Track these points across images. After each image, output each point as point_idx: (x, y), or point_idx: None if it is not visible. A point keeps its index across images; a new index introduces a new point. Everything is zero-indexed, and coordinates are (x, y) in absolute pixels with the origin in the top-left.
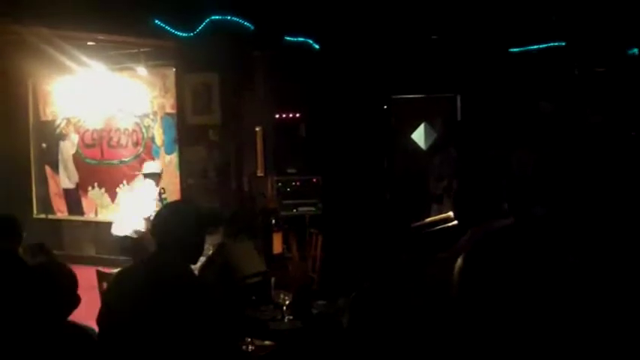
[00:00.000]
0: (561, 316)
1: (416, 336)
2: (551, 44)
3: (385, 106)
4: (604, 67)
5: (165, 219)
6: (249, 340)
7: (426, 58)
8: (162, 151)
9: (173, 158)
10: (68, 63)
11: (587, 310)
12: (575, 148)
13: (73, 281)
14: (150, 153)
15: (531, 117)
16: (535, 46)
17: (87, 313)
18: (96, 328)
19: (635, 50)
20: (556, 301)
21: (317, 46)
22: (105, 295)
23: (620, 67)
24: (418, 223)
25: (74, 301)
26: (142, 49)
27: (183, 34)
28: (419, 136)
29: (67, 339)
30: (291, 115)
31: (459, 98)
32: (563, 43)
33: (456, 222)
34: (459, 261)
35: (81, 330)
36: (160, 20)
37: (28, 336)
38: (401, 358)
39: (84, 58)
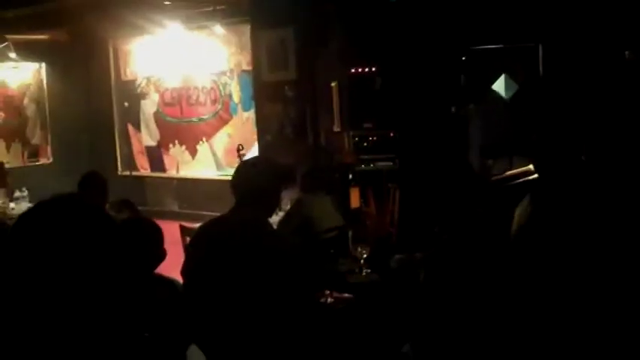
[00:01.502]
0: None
1: (486, 290)
2: None
3: (463, 58)
4: None
5: (244, 175)
6: (328, 292)
7: (505, 6)
8: (239, 108)
9: (251, 115)
10: (146, 23)
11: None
12: None
13: (159, 235)
14: (228, 110)
15: (616, 67)
16: None
17: (171, 267)
18: (180, 281)
19: None
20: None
21: None
22: (188, 248)
23: None
24: (499, 176)
25: (161, 255)
26: (217, 7)
27: None
28: (500, 87)
29: (155, 291)
30: (366, 70)
31: (540, 48)
32: None
33: (536, 175)
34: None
35: (168, 282)
36: None
37: (117, 289)
38: (473, 314)
39: (161, 18)
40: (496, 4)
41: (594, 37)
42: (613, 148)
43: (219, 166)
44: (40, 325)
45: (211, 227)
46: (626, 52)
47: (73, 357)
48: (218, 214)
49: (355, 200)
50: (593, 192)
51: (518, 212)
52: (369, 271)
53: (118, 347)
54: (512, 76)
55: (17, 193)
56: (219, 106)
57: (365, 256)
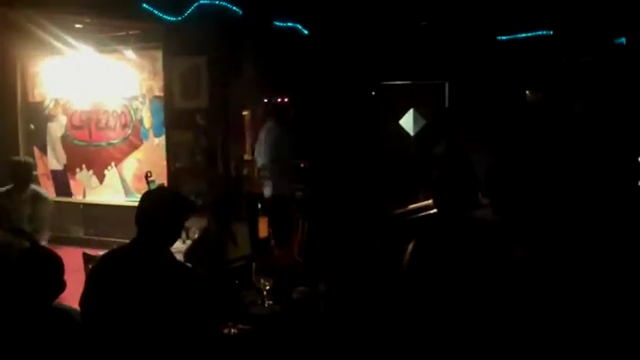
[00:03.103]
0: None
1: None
2: (539, 33)
3: (374, 92)
4: (591, 56)
5: (146, 205)
6: (231, 323)
7: (415, 44)
8: (150, 133)
9: (161, 141)
10: (56, 45)
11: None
12: (559, 138)
13: (59, 266)
14: (138, 135)
15: (518, 105)
16: (523, 34)
17: (73, 295)
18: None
19: (623, 39)
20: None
21: (306, 32)
22: (88, 278)
23: (607, 57)
24: (400, 210)
25: (60, 286)
26: (130, 32)
27: (171, 18)
28: (407, 122)
29: (52, 323)
30: (279, 100)
31: (447, 85)
32: (551, 32)
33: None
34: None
35: (65, 314)
36: (147, 4)
37: (13, 320)
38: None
39: (72, 40)
40: (407, 42)
41: (498, 77)
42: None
43: (127, 192)
44: None
45: (111, 257)
46: (527, 92)
47: None
48: (125, 240)
49: (263, 230)
50: (473, 233)
51: (409, 246)
52: (271, 302)
53: None
54: (419, 111)
55: None
56: (130, 131)
57: (268, 287)
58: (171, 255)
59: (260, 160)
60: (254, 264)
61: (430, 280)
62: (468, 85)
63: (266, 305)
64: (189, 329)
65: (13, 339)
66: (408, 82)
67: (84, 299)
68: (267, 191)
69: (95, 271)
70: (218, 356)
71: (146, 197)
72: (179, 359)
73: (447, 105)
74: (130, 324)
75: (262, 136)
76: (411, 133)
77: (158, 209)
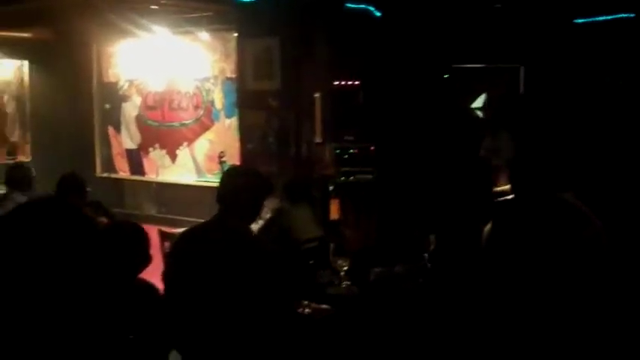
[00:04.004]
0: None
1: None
2: (620, 15)
3: (446, 75)
4: None
5: (230, 183)
6: (306, 303)
7: (490, 26)
8: (222, 115)
9: (233, 122)
10: (131, 26)
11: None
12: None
13: (145, 239)
14: (210, 116)
15: (597, 92)
16: (602, 17)
17: (149, 271)
18: (158, 286)
19: None
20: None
21: (378, 14)
22: (170, 254)
23: None
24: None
25: (147, 259)
26: (203, 14)
27: (245, 0)
28: (479, 106)
29: (138, 295)
30: (349, 83)
31: (522, 69)
32: (633, 15)
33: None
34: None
35: (148, 286)
36: None
37: (101, 290)
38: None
39: (147, 22)
40: (481, 24)
41: (575, 62)
42: (590, 173)
43: (198, 172)
44: (26, 328)
45: (195, 234)
46: (606, 78)
47: (59, 357)
48: (195, 219)
49: (335, 212)
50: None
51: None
52: (348, 283)
53: (104, 348)
54: (493, 96)
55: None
56: (202, 112)
57: (345, 268)
58: (253, 233)
59: None
60: (331, 245)
61: (506, 263)
62: (544, 69)
63: (343, 286)
64: (268, 306)
65: (101, 312)
66: (482, 65)
67: (166, 275)
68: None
69: (177, 247)
70: (296, 334)
71: (229, 175)
72: (258, 335)
73: (521, 89)
74: (212, 300)
75: None
76: (483, 117)
77: (241, 187)
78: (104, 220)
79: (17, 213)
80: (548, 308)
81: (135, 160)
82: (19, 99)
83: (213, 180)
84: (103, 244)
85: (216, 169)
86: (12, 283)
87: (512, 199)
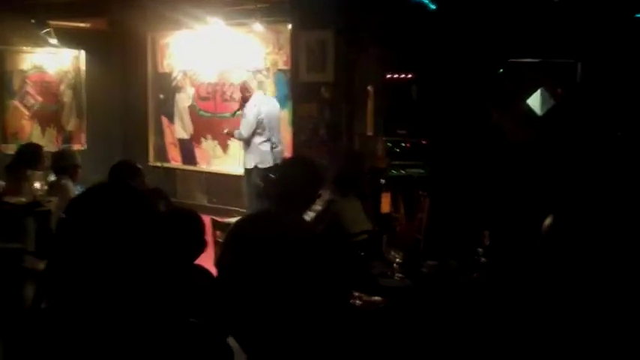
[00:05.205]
0: None
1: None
2: None
3: (501, 70)
4: None
5: (285, 173)
6: (358, 294)
7: (547, 20)
8: None
9: (285, 114)
10: (186, 17)
11: None
12: None
13: (203, 226)
14: None
15: None
16: None
17: (200, 258)
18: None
19: None
20: None
21: (433, 6)
22: (226, 242)
23: None
24: None
25: (203, 245)
26: (258, 6)
27: None
28: (535, 102)
29: (197, 279)
30: (403, 76)
31: (579, 65)
32: None
33: None
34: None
35: (205, 271)
36: None
37: (165, 274)
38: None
39: (201, 13)
40: (537, 19)
41: (635, 58)
42: None
43: None
44: (96, 310)
45: (251, 222)
46: None
47: (127, 339)
48: (245, 209)
49: (386, 205)
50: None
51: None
52: (401, 275)
53: (167, 330)
54: (548, 91)
55: (51, 177)
56: None
57: (398, 260)
58: (308, 224)
59: None
60: (384, 237)
61: (569, 258)
62: (602, 65)
63: (397, 278)
64: (323, 296)
65: (163, 295)
66: (538, 60)
67: (221, 263)
68: None
69: (233, 236)
70: (350, 325)
71: (286, 165)
72: (311, 324)
73: (578, 86)
74: (268, 288)
75: None
76: (539, 113)
77: (299, 177)
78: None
79: (88, 196)
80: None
81: (187, 149)
82: (75, 88)
83: None
84: (163, 230)
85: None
86: (82, 262)
87: (573, 191)
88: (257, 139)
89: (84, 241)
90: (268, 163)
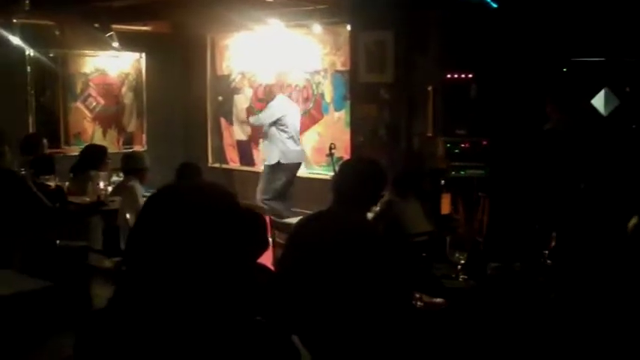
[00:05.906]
0: None
1: None
2: None
3: (565, 69)
4: None
5: (349, 174)
6: (418, 296)
7: (611, 18)
8: (331, 107)
9: (342, 115)
10: (245, 19)
11: None
12: None
13: (265, 225)
14: (319, 109)
15: None
16: None
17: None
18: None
19: None
20: None
21: (495, 5)
22: (289, 242)
23: None
24: None
25: (265, 244)
26: (317, 7)
27: None
28: (599, 102)
29: (258, 277)
30: (462, 76)
31: None
32: None
33: None
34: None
35: (265, 269)
36: None
37: (223, 277)
38: None
39: (260, 15)
40: (602, 16)
41: None
42: None
43: (307, 164)
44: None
45: (314, 222)
46: None
47: (198, 338)
48: (302, 210)
49: (446, 207)
50: None
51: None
52: (465, 277)
53: (237, 327)
54: (613, 91)
55: (114, 178)
56: (311, 105)
57: (462, 261)
58: (371, 225)
59: None
60: (448, 238)
61: None
62: None
63: (460, 279)
64: (385, 297)
65: (230, 293)
66: (602, 59)
67: (283, 263)
68: None
69: (296, 236)
70: (409, 326)
71: (349, 165)
72: (374, 325)
73: None
74: (331, 288)
75: None
76: (603, 113)
77: (363, 177)
78: None
79: (162, 196)
80: None
81: (245, 151)
82: (136, 90)
83: (321, 172)
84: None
85: (324, 161)
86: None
87: None
88: (283, 135)
89: (165, 241)
90: (291, 160)
